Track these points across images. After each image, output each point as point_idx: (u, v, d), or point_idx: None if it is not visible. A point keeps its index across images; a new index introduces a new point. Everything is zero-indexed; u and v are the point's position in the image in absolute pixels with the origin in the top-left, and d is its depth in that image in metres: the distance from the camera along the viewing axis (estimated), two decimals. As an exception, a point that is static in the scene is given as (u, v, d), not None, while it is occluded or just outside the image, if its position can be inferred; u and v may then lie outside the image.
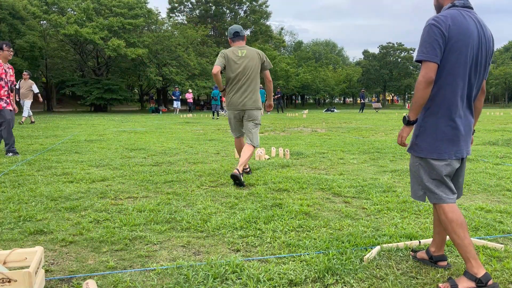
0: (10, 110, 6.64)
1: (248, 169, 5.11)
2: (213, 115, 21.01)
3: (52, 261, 2.44)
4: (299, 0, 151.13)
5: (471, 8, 2.10)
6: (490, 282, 1.98)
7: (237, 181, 4.35)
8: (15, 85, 6.82)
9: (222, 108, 27.92)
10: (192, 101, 30.04)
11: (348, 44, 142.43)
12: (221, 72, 4.66)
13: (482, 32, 2.08)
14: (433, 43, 1.98)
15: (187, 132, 11.55)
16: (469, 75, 2.08)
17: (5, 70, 6.54)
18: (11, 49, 6.64)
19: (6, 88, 6.54)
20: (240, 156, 4.80)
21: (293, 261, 2.44)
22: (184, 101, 32.68)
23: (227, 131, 11.98)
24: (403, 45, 54.18)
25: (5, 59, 6.59)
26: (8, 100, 6.59)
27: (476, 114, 2.27)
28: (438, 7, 2.20)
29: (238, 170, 4.36)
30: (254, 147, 4.77)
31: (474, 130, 2.31)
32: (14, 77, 6.80)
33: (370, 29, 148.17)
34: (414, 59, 2.53)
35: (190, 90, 29.66)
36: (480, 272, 1.99)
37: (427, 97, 2.04)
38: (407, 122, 2.11)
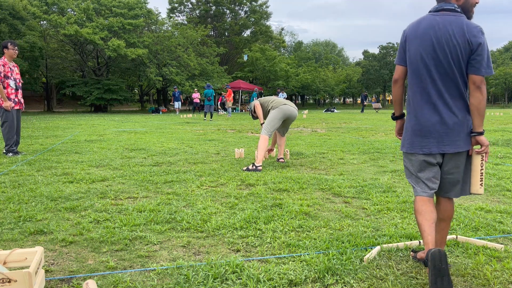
0: (17, 109, 6.74)
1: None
2: (205, 116, 19.43)
3: (52, 261, 2.44)
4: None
5: (450, 11, 2.19)
6: (428, 255, 1.95)
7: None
8: (22, 83, 6.89)
9: (224, 109, 27.89)
10: (198, 101, 29.79)
11: (348, 44, 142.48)
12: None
13: (442, 31, 2.16)
14: (399, 48, 2.32)
15: (187, 132, 11.55)
16: (429, 73, 2.19)
17: (10, 69, 6.59)
18: (16, 47, 6.69)
19: (13, 87, 6.59)
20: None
21: (293, 261, 2.44)
22: (185, 102, 32.49)
23: (227, 131, 11.98)
24: (403, 45, 54.07)
25: (10, 58, 6.64)
26: (16, 99, 6.64)
27: (473, 112, 2.19)
28: None
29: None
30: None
31: (479, 132, 2.20)
32: (19, 75, 6.85)
33: (370, 30, 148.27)
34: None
35: (196, 90, 29.58)
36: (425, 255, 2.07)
37: (398, 94, 2.39)
38: (392, 118, 2.47)
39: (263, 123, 5.91)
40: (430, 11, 2.27)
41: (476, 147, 2.26)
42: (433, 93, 2.20)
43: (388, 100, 67.26)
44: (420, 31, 2.22)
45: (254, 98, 28.74)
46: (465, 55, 2.17)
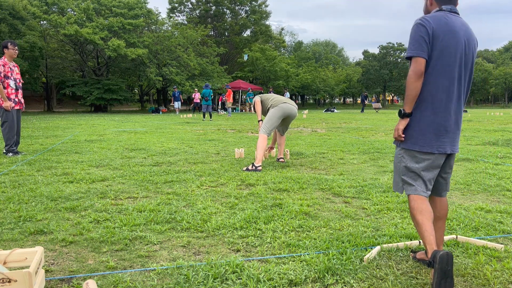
0: (18, 109, 6.74)
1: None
2: (204, 117, 19.33)
3: (52, 261, 2.44)
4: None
5: (457, 14, 2.23)
6: (437, 257, 1.94)
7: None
8: (22, 83, 6.89)
9: (224, 109, 27.87)
10: (198, 101, 29.78)
11: (348, 44, 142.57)
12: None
13: (468, 33, 2.20)
14: (420, 40, 2.12)
15: (187, 132, 11.55)
16: (459, 73, 2.18)
17: (10, 68, 6.58)
18: (16, 47, 6.68)
19: (13, 87, 6.59)
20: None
21: (293, 261, 2.44)
22: (185, 101, 32.39)
23: (227, 131, 11.98)
24: (403, 45, 54.04)
25: (10, 58, 6.64)
26: (16, 99, 6.64)
27: None
28: (427, 13, 2.32)
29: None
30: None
31: None
32: (20, 75, 6.84)
33: (370, 30, 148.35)
34: (405, 57, 2.56)
35: (196, 90, 29.60)
36: (430, 256, 2.03)
37: (419, 89, 2.16)
38: (403, 115, 2.22)
39: (261, 120, 5.91)
40: (443, 10, 2.20)
41: None
42: (455, 93, 2.19)
43: (388, 100, 67.23)
44: (453, 28, 2.14)
45: (249, 97, 28.85)
46: (473, 65, 2.27)
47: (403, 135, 2.25)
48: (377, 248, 2.56)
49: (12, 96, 6.58)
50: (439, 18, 2.15)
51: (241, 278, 2.20)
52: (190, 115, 24.81)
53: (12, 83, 6.58)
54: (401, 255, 2.54)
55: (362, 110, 33.58)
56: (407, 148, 2.24)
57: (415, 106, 2.20)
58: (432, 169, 2.22)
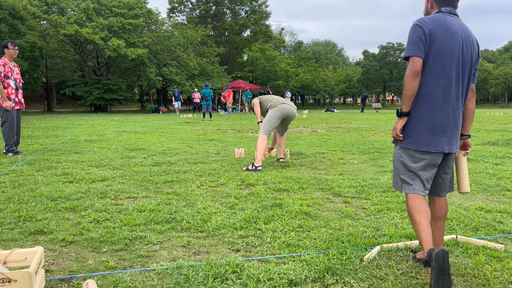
0: (18, 109, 6.73)
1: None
2: (204, 116, 19.44)
3: (52, 261, 2.44)
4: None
5: (457, 16, 2.26)
6: (432, 255, 1.94)
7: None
8: (22, 83, 6.89)
9: (224, 109, 27.87)
10: (198, 100, 29.76)
11: (348, 44, 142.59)
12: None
13: (466, 34, 2.22)
14: (417, 41, 2.15)
15: (187, 132, 11.55)
16: (457, 73, 2.19)
17: (11, 68, 6.58)
18: (16, 47, 6.69)
19: (13, 87, 6.59)
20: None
21: (293, 261, 2.44)
22: (185, 101, 32.34)
23: (227, 131, 11.98)
24: (403, 45, 54.03)
25: (10, 58, 6.64)
26: (16, 99, 6.64)
27: (469, 115, 2.36)
28: (427, 15, 2.33)
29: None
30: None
31: (469, 135, 2.39)
32: (20, 75, 6.84)
33: (370, 30, 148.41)
34: (403, 57, 2.59)
35: (196, 90, 29.59)
36: (426, 254, 2.04)
37: (416, 88, 2.18)
38: (400, 114, 2.25)
39: (260, 121, 5.92)
40: (442, 12, 2.22)
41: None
42: (453, 93, 2.20)
43: (388, 100, 67.23)
44: (451, 29, 2.16)
45: (246, 97, 28.89)
46: (475, 63, 2.28)
47: (401, 135, 2.27)
48: (377, 248, 2.56)
49: (12, 96, 6.58)
50: (437, 19, 2.18)
51: (241, 278, 2.20)
52: (190, 115, 24.81)
53: (12, 83, 6.58)
54: (401, 255, 2.54)
55: (362, 110, 33.64)
56: (405, 147, 2.26)
57: (412, 106, 2.22)
58: (429, 168, 2.23)
